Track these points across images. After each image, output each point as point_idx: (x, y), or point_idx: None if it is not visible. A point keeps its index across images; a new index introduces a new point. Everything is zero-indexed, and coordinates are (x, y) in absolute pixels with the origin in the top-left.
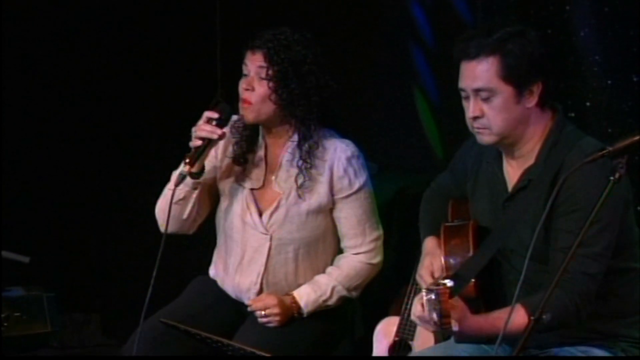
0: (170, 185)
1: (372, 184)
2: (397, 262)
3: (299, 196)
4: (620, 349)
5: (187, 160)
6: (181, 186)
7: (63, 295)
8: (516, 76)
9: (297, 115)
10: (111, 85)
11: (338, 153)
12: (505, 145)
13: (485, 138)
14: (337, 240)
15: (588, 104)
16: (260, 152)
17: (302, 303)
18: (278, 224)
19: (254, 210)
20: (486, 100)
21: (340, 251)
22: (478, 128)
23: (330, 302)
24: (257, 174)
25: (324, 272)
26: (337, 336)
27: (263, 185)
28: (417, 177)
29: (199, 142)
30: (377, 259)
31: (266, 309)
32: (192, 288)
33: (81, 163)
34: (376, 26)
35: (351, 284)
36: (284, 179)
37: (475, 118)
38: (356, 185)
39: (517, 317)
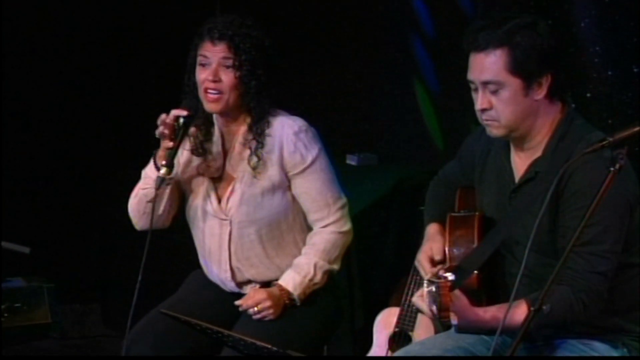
0: (142, 184)
1: (327, 154)
2: (396, 253)
3: (254, 177)
4: (622, 342)
5: (164, 163)
6: (152, 184)
7: (63, 286)
8: (524, 69)
9: (260, 101)
10: (110, 78)
11: (285, 129)
12: (514, 138)
13: (494, 130)
14: (302, 216)
15: (588, 94)
16: (218, 141)
17: (290, 288)
18: (235, 207)
19: (213, 198)
20: (494, 92)
21: (308, 227)
22: (487, 120)
23: (317, 280)
24: (217, 163)
25: (295, 248)
26: (334, 320)
27: (222, 173)
28: (417, 168)
29: (171, 144)
30: (347, 226)
31: (257, 304)
32: (189, 281)
33: (81, 155)
34: (376, 17)
35: (330, 257)
36: (238, 162)
37: (483, 110)
38: (309, 159)
39: (520, 312)
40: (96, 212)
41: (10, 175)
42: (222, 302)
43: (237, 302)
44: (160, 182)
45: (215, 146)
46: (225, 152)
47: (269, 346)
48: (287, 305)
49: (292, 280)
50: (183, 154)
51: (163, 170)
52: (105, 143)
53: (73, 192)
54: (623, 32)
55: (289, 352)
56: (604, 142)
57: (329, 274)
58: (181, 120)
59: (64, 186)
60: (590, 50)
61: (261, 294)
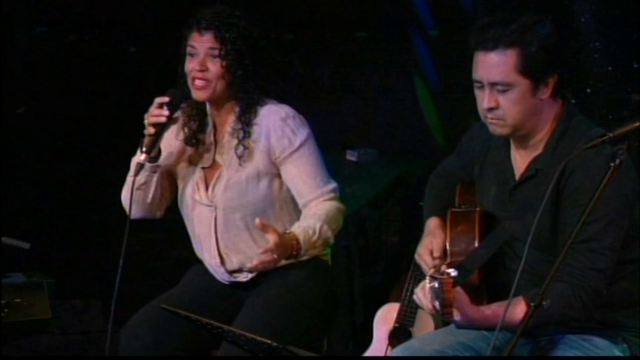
0: (131, 173)
1: (315, 139)
2: (397, 248)
3: (240, 164)
4: (622, 338)
5: (144, 149)
6: (140, 172)
7: (63, 281)
8: (534, 70)
9: (247, 91)
10: (109, 75)
11: (272, 116)
12: (516, 136)
13: (498, 129)
14: (290, 206)
15: (588, 90)
16: (210, 131)
17: (300, 239)
18: (220, 193)
19: (202, 187)
20: (502, 92)
21: (297, 217)
22: (492, 119)
23: (318, 244)
24: (208, 152)
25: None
26: (331, 312)
27: (213, 163)
28: (417, 162)
29: (152, 130)
30: (343, 205)
31: (275, 248)
32: (189, 276)
33: (81, 150)
34: (377, 11)
35: (331, 225)
36: (226, 150)
37: (490, 109)
38: (297, 142)
39: (520, 309)
40: (96, 208)
41: (10, 171)
42: (222, 296)
43: (253, 263)
44: (140, 168)
45: (208, 136)
46: (216, 141)
47: (269, 341)
48: (290, 257)
49: (302, 234)
50: (176, 144)
51: (142, 157)
52: (105, 138)
53: (73, 188)
54: (623, 27)
55: (288, 347)
56: (604, 138)
57: (325, 245)
58: (164, 107)
59: (64, 181)
60: (590, 46)
61: (275, 237)
